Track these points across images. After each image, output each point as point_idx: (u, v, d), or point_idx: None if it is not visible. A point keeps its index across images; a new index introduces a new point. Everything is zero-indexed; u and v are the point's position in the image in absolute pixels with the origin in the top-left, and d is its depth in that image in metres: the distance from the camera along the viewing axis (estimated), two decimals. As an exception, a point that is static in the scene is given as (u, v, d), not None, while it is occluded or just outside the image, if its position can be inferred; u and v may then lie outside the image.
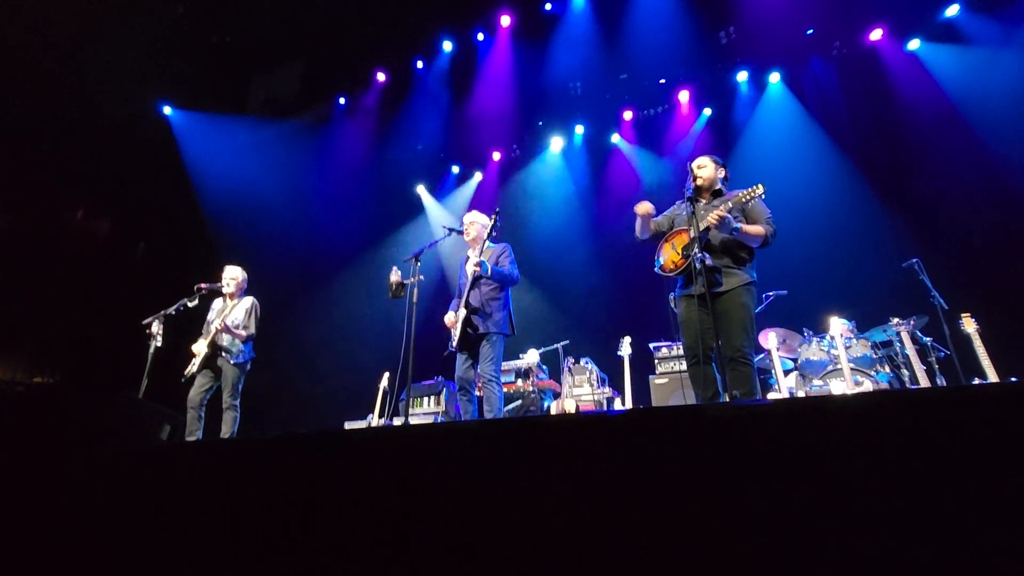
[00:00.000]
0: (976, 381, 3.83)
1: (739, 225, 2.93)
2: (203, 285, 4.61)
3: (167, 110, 7.73)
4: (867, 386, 4.19)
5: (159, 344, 4.44)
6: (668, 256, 3.16)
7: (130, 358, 4.84)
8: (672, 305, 3.29)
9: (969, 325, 3.92)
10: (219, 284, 4.63)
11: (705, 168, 3.24)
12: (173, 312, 4.58)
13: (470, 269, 3.83)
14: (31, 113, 6.37)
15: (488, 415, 3.61)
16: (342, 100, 8.27)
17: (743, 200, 3.00)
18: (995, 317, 4.40)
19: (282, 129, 8.00)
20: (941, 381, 4.37)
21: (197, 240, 7.62)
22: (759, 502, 1.10)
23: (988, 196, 5.51)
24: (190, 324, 4.62)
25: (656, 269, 3.23)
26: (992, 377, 3.69)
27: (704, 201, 3.20)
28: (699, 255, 2.82)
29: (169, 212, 7.69)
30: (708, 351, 2.89)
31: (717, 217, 2.88)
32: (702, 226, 2.95)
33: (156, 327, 4.46)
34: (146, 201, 7.56)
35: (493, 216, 3.94)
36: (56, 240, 6.78)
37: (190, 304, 4.59)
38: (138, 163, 7.40)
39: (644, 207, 3.24)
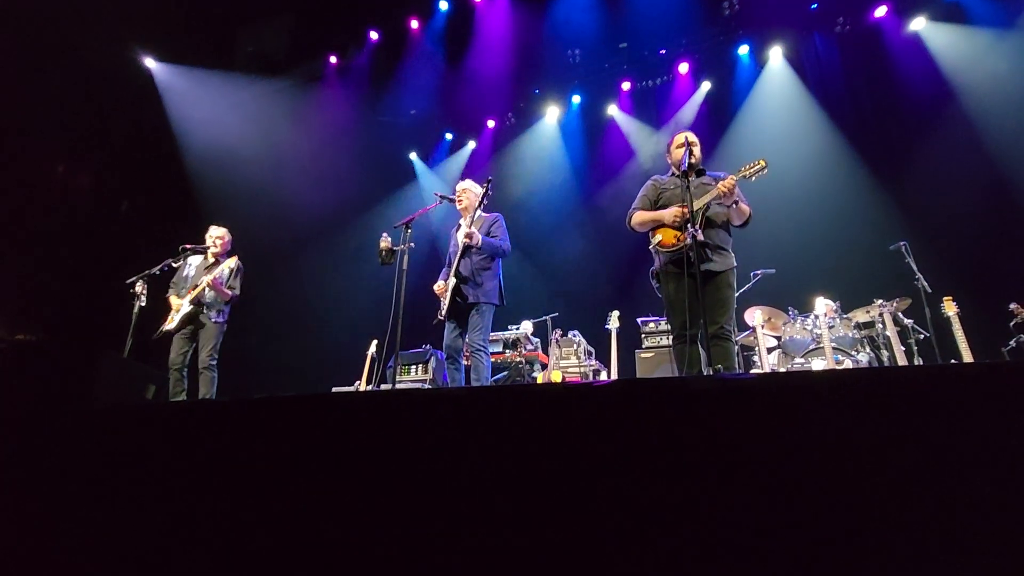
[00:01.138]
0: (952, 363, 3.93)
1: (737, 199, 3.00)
2: (188, 246, 4.56)
3: (151, 63, 7.44)
4: (847, 366, 4.29)
5: (143, 304, 4.41)
6: (666, 231, 3.14)
7: (114, 317, 4.80)
8: (654, 280, 3.29)
9: (950, 308, 3.99)
10: (205, 244, 4.57)
11: (697, 146, 3.25)
12: (158, 272, 4.55)
13: (461, 238, 3.79)
14: (9, 64, 6.09)
15: (476, 384, 3.64)
16: (333, 59, 7.99)
17: (746, 174, 3.03)
18: (977, 301, 4.48)
19: (270, 87, 7.75)
20: (919, 363, 4.48)
21: (182, 199, 7.45)
22: (741, 473, 1.13)
23: (980, 181, 5.53)
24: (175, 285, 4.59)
25: (652, 247, 3.21)
26: (967, 359, 3.78)
27: (691, 177, 3.18)
28: (693, 231, 2.81)
29: (153, 170, 7.48)
30: (696, 331, 2.94)
31: (732, 183, 2.93)
32: (708, 197, 2.99)
33: (140, 287, 4.43)
34: (130, 158, 7.34)
35: (486, 185, 3.89)
36: (38, 195, 6.60)
37: (175, 264, 4.56)
38: (121, 118, 7.16)
39: None
